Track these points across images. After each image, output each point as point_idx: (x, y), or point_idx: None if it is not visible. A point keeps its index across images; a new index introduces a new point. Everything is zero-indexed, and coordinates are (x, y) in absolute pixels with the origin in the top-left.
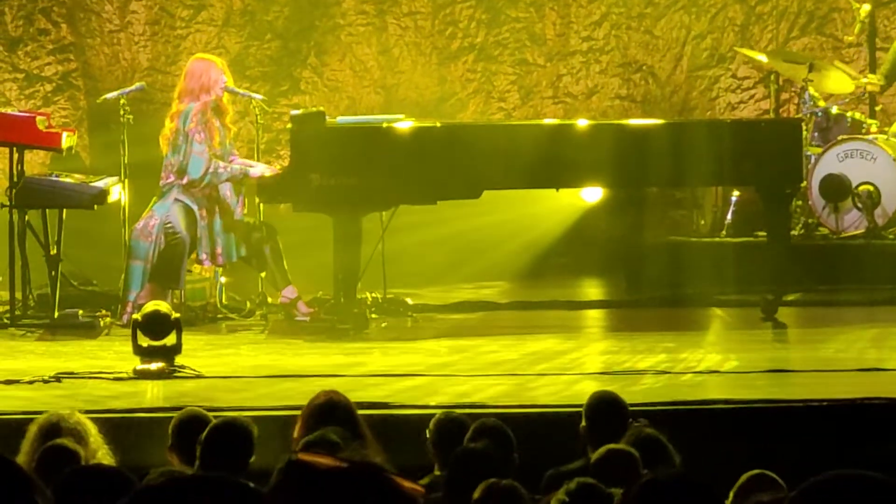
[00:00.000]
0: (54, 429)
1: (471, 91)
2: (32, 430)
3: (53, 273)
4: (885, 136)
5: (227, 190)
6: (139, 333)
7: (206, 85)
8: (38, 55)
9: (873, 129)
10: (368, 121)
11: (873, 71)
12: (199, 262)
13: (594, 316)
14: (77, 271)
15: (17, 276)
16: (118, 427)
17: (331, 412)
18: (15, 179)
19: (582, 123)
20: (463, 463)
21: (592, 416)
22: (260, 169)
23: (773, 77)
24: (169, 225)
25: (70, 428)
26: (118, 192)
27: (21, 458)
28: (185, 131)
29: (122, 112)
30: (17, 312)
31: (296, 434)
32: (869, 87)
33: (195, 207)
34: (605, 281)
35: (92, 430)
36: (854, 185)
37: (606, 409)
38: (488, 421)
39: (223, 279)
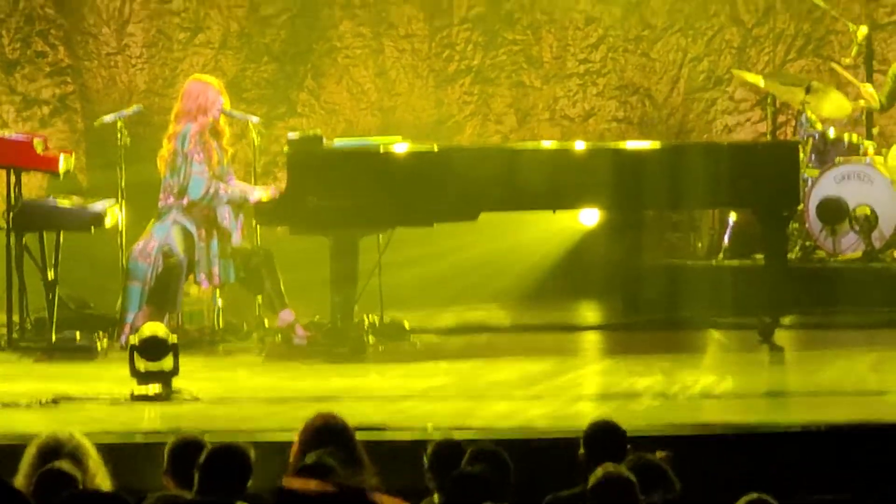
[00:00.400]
0: (54, 450)
1: (468, 113)
2: (31, 451)
3: (51, 296)
4: (883, 159)
5: (225, 213)
6: (136, 357)
7: (204, 106)
8: (36, 78)
9: (870, 151)
10: (365, 143)
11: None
12: (198, 283)
13: (591, 339)
14: (74, 294)
15: (15, 300)
16: (115, 451)
17: (327, 434)
18: (12, 202)
19: (579, 146)
20: (460, 487)
21: (591, 444)
22: (259, 193)
23: (770, 99)
24: (167, 247)
25: (70, 450)
26: (116, 214)
27: (19, 481)
28: (183, 152)
29: (119, 135)
30: (15, 335)
31: (292, 457)
32: (866, 103)
33: (193, 229)
34: (602, 304)
35: (92, 453)
36: (851, 207)
37: (604, 438)
38: (485, 445)
39: (220, 302)
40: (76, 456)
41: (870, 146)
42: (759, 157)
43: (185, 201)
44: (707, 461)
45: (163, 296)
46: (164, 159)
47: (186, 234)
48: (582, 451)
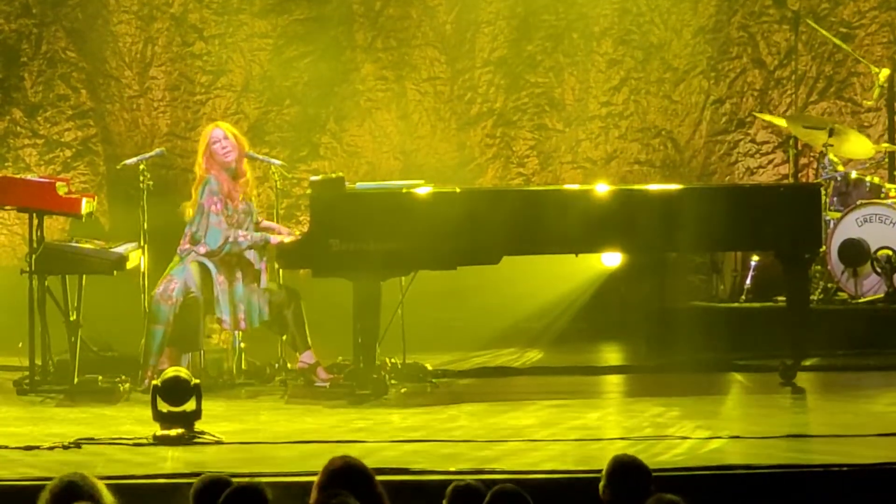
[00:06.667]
0: (69, 493)
1: (490, 156)
2: (45, 496)
3: (73, 339)
4: None
5: (250, 254)
6: (159, 399)
7: (225, 152)
8: (58, 121)
9: (892, 193)
10: (387, 186)
11: (892, 135)
12: (219, 323)
13: (614, 381)
14: (97, 337)
15: (37, 342)
16: (138, 493)
17: (347, 477)
18: (35, 245)
19: (601, 189)
20: None
21: (613, 480)
22: (279, 238)
23: (792, 142)
24: (187, 286)
25: (85, 493)
26: (137, 257)
27: None
28: (200, 203)
29: (141, 178)
30: (37, 378)
31: (312, 499)
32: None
33: (213, 268)
34: (624, 346)
35: (106, 495)
36: (873, 249)
37: (628, 474)
38: (506, 486)
39: (242, 345)
40: (93, 498)
41: (892, 188)
42: (782, 199)
43: (202, 249)
44: (728, 502)
45: (184, 334)
46: (191, 206)
47: (204, 272)
48: (603, 483)
